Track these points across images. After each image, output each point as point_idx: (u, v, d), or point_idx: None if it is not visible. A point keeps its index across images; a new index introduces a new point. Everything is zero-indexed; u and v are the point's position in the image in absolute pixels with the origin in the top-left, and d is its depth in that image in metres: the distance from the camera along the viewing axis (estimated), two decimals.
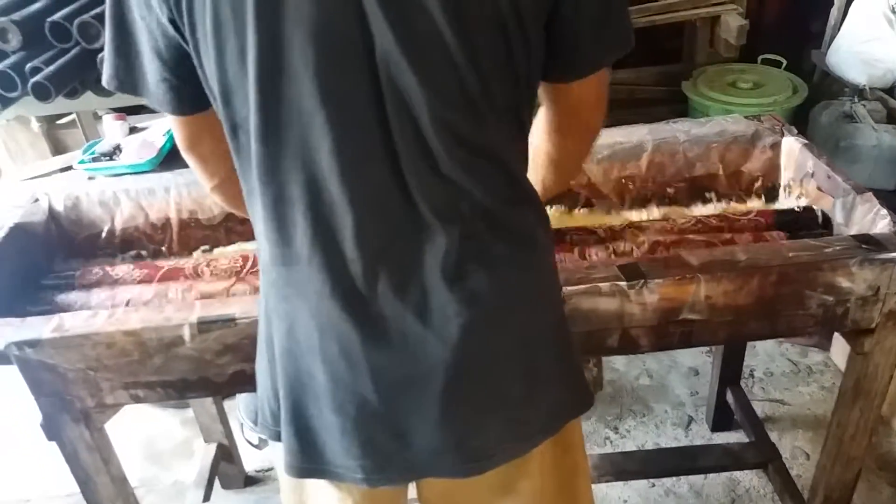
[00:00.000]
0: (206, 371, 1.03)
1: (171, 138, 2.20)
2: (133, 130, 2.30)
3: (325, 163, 0.70)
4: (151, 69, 0.76)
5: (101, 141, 2.28)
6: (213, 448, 1.76)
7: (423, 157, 0.70)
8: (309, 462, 0.82)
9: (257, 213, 0.77)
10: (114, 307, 1.11)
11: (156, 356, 1.02)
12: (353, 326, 0.75)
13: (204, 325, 1.00)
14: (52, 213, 1.33)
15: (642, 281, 1.01)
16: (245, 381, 1.03)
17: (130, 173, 2.12)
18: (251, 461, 1.90)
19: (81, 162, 2.14)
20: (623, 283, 1.01)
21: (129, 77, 0.78)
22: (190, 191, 1.36)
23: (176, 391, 1.05)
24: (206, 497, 1.64)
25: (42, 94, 1.39)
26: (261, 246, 0.80)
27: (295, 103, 0.68)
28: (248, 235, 1.33)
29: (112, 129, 2.28)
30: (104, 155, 2.21)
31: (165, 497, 1.85)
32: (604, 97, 0.82)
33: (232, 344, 1.02)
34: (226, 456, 1.80)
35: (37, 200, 1.34)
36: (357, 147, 0.69)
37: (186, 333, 1.00)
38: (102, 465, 1.13)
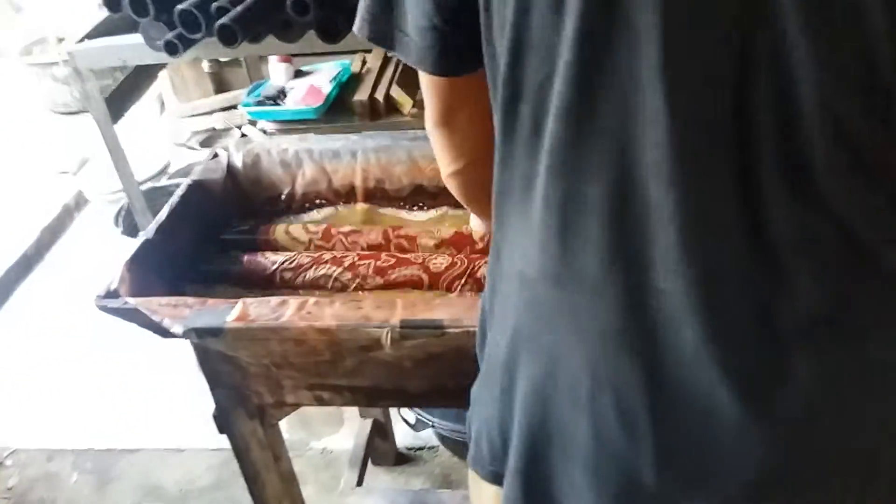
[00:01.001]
0: (402, 380, 0.88)
1: (338, 85, 2.07)
2: (298, 74, 2.19)
3: (648, 159, 0.49)
4: (416, 13, 0.58)
5: (267, 84, 2.19)
6: (368, 424, 1.65)
7: (791, 169, 0.48)
8: None
9: (522, 213, 0.58)
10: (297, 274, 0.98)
11: (349, 358, 0.87)
12: (641, 384, 0.55)
13: (407, 331, 0.83)
14: (230, 171, 1.21)
15: None
16: (445, 397, 0.87)
17: (295, 120, 2.04)
18: (404, 438, 1.79)
19: (246, 105, 2.06)
20: None
21: (384, 24, 0.61)
22: (379, 157, 1.20)
23: (365, 398, 0.91)
24: (361, 477, 1.53)
25: (228, 37, 1.26)
26: (513, 252, 0.61)
27: (621, 76, 0.49)
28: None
29: (277, 71, 2.17)
30: (269, 98, 2.12)
31: (313, 465, 1.77)
32: None
33: (436, 354, 0.85)
34: (380, 432, 1.69)
35: (216, 156, 1.22)
36: (700, 144, 0.49)
37: (386, 337, 0.84)
38: (273, 462, 1.01)
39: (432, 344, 0.84)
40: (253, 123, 2.61)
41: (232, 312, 0.87)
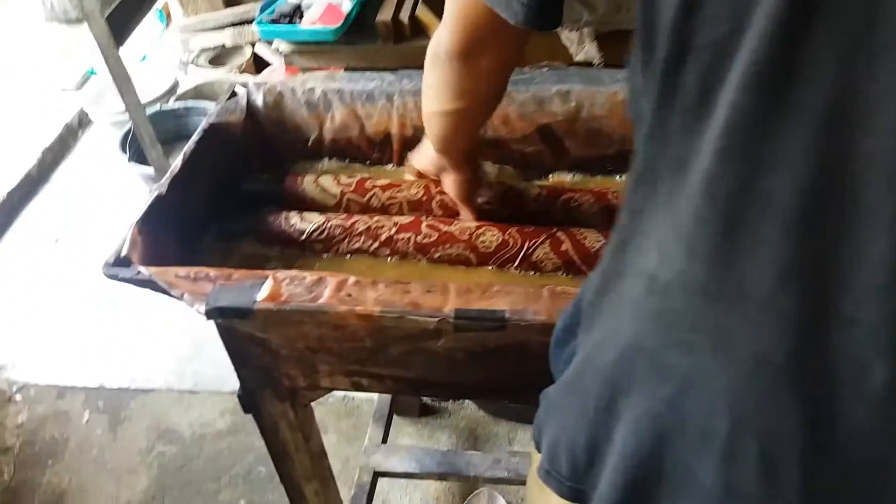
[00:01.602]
0: (453, 374, 0.78)
1: (359, 3, 1.90)
2: None
3: (869, 148, 0.37)
4: None
5: (283, 1, 2.02)
6: None
7: None
8: None
9: (668, 203, 0.47)
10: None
11: (393, 347, 0.77)
12: (800, 431, 0.44)
13: (462, 322, 0.73)
14: (250, 112, 1.08)
15: None
16: (501, 392, 0.78)
17: (311, 42, 1.87)
18: None
19: (259, 23, 1.89)
20: None
21: None
22: (418, 101, 1.05)
23: (409, 388, 0.81)
24: (386, 434, 1.47)
25: None
26: (645, 248, 0.50)
27: (836, 43, 0.36)
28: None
29: None
30: (284, 16, 1.95)
31: (334, 412, 1.71)
32: None
33: (494, 348, 0.75)
34: None
35: (234, 95, 1.08)
36: None
37: (438, 329, 0.73)
38: (303, 442, 0.93)
39: (490, 337, 0.74)
40: (268, 43, 2.44)
41: (262, 291, 0.76)
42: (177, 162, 0.95)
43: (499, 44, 0.67)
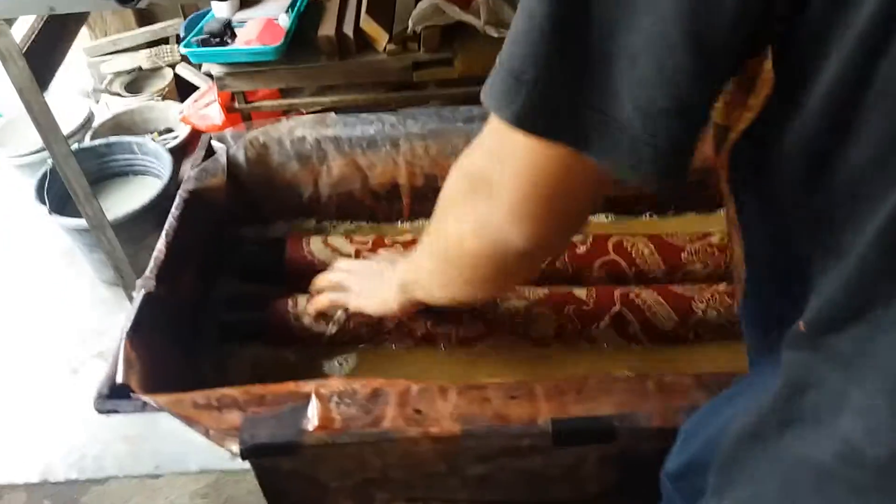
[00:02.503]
0: (543, 491, 0.66)
1: (296, 17, 1.73)
2: (243, 3, 1.82)
3: None
4: (652, 80, 0.36)
5: (210, 17, 1.82)
6: None
7: None
8: None
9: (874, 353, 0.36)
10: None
11: (471, 468, 0.64)
12: None
13: (562, 436, 0.60)
14: (231, 171, 0.92)
15: None
16: None
17: (248, 62, 1.69)
18: None
19: (187, 45, 1.69)
20: None
21: (562, 100, 0.38)
22: (427, 146, 0.93)
23: None
24: None
25: None
26: (822, 400, 0.39)
27: None
28: None
29: (220, 1, 1.81)
30: (213, 36, 1.76)
31: None
32: None
33: (611, 457, 0.63)
34: None
35: (210, 153, 0.92)
36: None
37: (532, 445, 0.61)
38: None
39: (593, 448, 0.62)
40: (197, 66, 2.22)
41: (308, 416, 0.61)
42: (158, 246, 0.78)
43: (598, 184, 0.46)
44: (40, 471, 1.47)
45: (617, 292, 0.78)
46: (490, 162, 0.46)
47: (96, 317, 1.78)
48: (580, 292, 0.79)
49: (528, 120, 0.40)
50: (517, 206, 0.45)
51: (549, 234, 0.48)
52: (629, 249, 0.85)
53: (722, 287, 0.79)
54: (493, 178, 0.46)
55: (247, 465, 1.44)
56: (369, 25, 1.64)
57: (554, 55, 0.38)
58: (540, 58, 0.38)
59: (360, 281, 0.75)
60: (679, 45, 0.35)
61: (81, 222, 1.55)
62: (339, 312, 0.77)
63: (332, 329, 0.77)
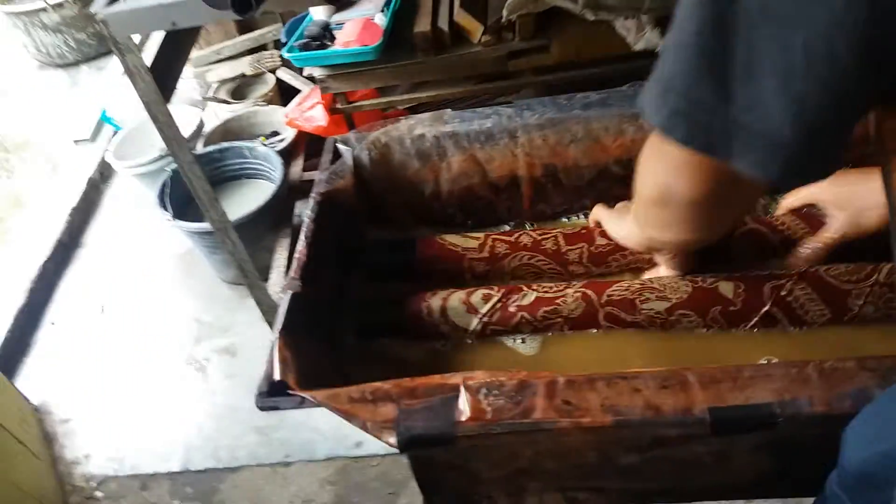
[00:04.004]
0: (696, 478, 0.65)
1: (393, 13, 1.75)
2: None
3: None
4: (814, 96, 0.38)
5: (308, 21, 1.87)
6: None
7: None
8: None
9: None
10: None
11: (624, 457, 0.64)
12: None
13: (721, 425, 0.59)
14: (358, 172, 0.95)
15: None
16: (751, 492, 0.64)
17: (348, 63, 1.73)
18: None
19: (290, 50, 1.74)
20: None
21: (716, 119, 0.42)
22: (546, 136, 0.92)
23: (639, 499, 0.68)
24: None
25: None
26: None
27: None
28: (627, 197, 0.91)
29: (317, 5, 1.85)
30: (313, 39, 1.80)
31: None
32: None
33: (766, 444, 0.62)
34: None
35: (337, 156, 0.95)
36: None
37: (688, 434, 0.60)
38: None
39: (751, 436, 0.61)
40: (291, 67, 2.28)
41: (459, 408, 0.63)
42: (299, 247, 0.81)
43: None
44: (180, 461, 1.56)
45: (766, 288, 0.76)
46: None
47: (219, 314, 1.88)
48: (726, 288, 0.77)
49: (693, 137, 0.41)
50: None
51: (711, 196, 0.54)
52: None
53: (884, 272, 0.74)
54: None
55: (372, 451, 1.50)
56: (464, 18, 1.65)
57: (702, 71, 0.40)
58: (688, 74, 0.40)
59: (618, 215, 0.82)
60: (843, 58, 0.35)
61: (204, 226, 1.64)
62: (487, 306, 0.78)
63: (476, 326, 0.78)
